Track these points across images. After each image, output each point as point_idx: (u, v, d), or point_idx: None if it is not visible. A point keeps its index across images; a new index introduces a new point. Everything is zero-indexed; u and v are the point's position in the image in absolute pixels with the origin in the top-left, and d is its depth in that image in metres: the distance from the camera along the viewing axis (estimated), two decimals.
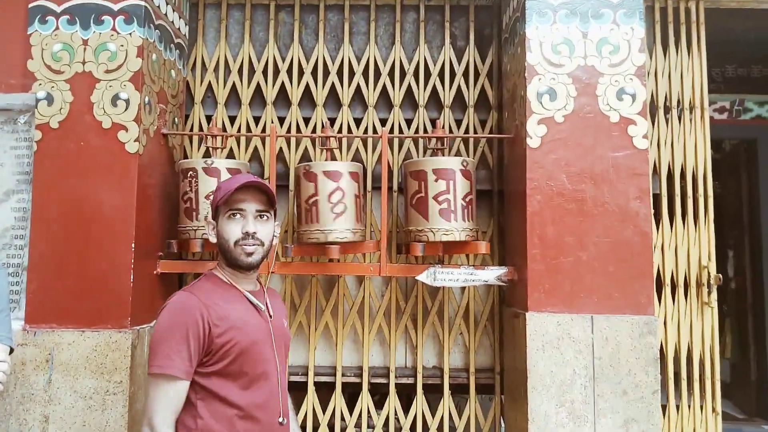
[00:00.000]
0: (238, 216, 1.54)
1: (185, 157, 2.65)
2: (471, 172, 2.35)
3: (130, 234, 2.17)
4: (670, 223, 2.59)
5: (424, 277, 2.33)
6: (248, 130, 2.67)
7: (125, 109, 2.20)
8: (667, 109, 2.65)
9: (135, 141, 2.19)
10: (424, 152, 2.65)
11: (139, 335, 2.19)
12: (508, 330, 2.50)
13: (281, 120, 2.71)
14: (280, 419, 1.56)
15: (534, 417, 2.11)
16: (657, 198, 2.61)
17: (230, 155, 2.66)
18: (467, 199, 2.30)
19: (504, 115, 2.63)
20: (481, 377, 2.63)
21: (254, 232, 1.53)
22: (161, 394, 1.43)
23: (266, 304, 1.61)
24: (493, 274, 2.35)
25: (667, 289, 2.55)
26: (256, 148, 2.67)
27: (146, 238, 2.28)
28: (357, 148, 2.69)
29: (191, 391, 1.46)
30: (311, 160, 2.64)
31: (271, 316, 1.60)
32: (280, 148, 2.66)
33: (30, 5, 2.22)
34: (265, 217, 1.57)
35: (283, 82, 2.71)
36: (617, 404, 2.13)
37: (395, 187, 2.64)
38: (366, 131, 2.68)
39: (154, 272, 2.35)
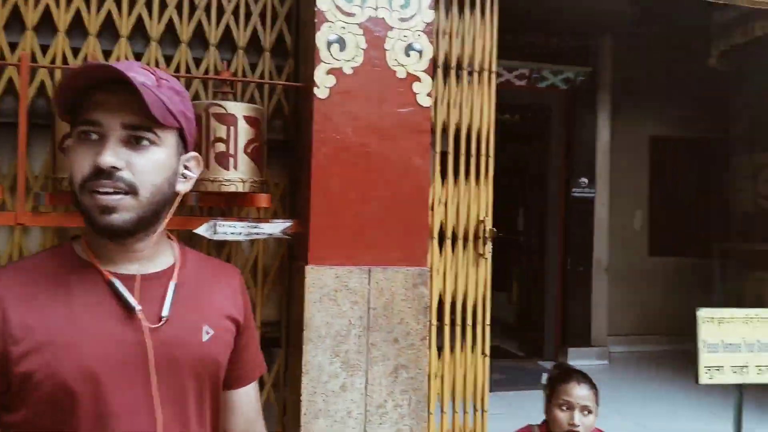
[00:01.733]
0: (94, 136, 0.90)
1: None
2: (259, 120, 2.25)
3: None
4: (454, 180, 2.72)
5: (204, 230, 2.20)
6: (3, 58, 2.30)
7: None
8: (458, 70, 2.74)
9: None
10: (214, 96, 2.48)
11: None
12: (293, 284, 2.48)
13: (45, 49, 2.36)
14: None
15: (308, 369, 2.13)
16: (445, 156, 2.72)
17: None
18: (251, 149, 2.20)
19: (300, 64, 2.54)
20: (268, 331, 2.60)
21: (113, 167, 0.88)
22: None
23: (165, 296, 0.96)
24: (278, 228, 2.29)
25: (448, 242, 2.69)
26: (11, 81, 2.30)
27: None
28: None
29: None
30: None
31: (162, 320, 0.93)
32: (42, 82, 2.32)
33: None
34: (145, 142, 0.91)
35: (47, 6, 2.35)
36: (389, 352, 2.22)
37: None
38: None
39: None
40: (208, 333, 0.99)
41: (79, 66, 0.90)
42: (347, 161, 2.18)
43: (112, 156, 0.88)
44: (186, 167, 1.01)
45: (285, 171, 2.63)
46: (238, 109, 2.18)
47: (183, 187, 1.01)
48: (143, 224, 0.94)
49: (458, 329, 2.74)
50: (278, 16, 2.60)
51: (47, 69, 2.32)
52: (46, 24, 2.37)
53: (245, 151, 2.18)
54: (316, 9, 2.15)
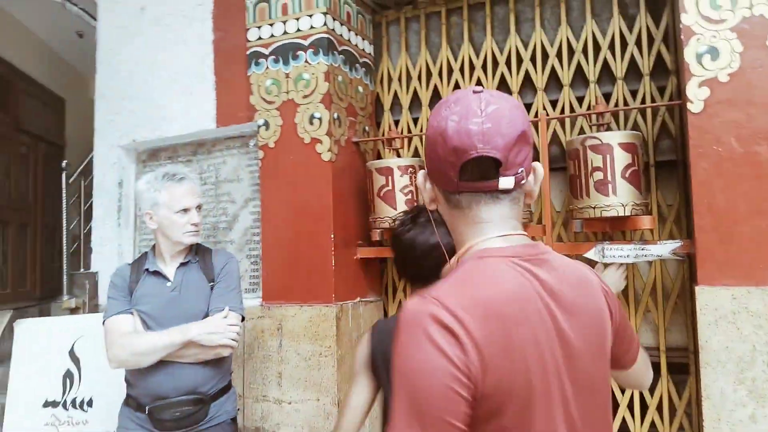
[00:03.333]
0: None
1: (379, 157, 3.06)
2: (635, 145, 2.30)
3: (329, 226, 2.65)
4: None
5: (592, 254, 2.36)
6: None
7: (319, 126, 2.68)
8: None
9: (328, 151, 2.66)
10: (598, 129, 2.63)
11: (342, 309, 2.66)
12: (694, 307, 2.37)
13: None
14: None
15: (708, 394, 2.02)
16: None
17: (416, 153, 3.00)
18: (628, 173, 2.27)
19: (680, 81, 2.48)
20: (673, 356, 2.53)
21: None
22: None
23: None
24: (666, 249, 2.27)
25: None
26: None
27: (344, 229, 2.74)
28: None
29: None
30: None
31: None
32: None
33: (247, 52, 2.85)
34: None
35: (456, 80, 2.95)
36: None
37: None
38: (536, 115, 2.76)
39: (354, 257, 2.80)
40: None
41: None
42: (732, 173, 2.03)
43: None
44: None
45: (677, 191, 2.56)
46: (612, 138, 2.29)
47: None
48: None
49: None
50: (654, 38, 2.61)
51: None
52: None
53: (623, 176, 2.27)
54: (681, 26, 2.12)
